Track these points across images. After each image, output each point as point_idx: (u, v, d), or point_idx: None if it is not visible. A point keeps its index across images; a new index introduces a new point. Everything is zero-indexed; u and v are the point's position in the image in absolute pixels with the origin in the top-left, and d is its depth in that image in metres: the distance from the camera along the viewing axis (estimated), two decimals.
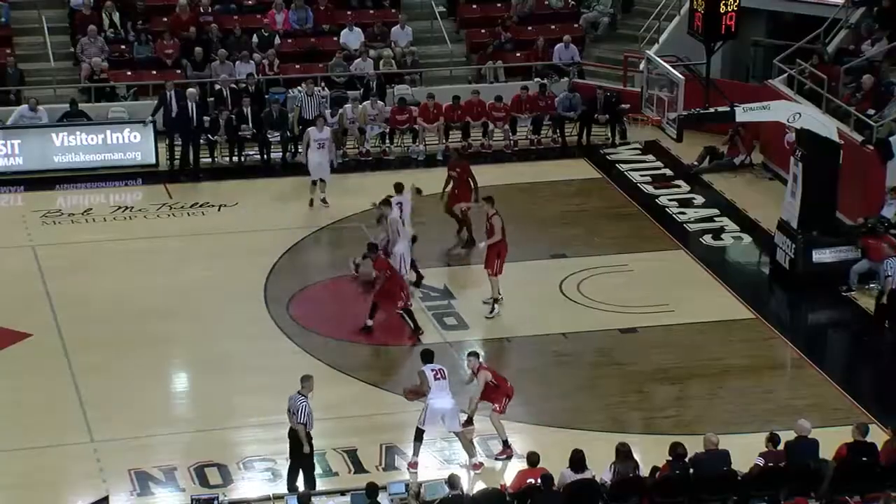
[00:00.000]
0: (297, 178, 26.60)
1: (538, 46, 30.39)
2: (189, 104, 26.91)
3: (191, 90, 27.21)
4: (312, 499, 16.01)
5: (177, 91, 27.13)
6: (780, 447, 16.54)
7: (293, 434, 17.03)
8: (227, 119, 27.39)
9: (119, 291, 22.29)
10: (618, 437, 17.26)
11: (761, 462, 16.35)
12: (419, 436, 17.71)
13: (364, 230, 24.06)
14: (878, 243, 22.22)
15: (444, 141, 28.26)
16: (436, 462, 17.85)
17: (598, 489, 15.99)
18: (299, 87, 28.28)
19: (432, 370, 17.83)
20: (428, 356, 18.11)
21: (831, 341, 22.28)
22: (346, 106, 27.88)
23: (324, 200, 25.36)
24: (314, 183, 25.34)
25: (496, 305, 21.46)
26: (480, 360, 18.23)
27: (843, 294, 22.35)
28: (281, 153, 27.75)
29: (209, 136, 27.38)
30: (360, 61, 29.41)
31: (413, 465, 17.70)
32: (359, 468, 17.71)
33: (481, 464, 17.75)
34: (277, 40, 29.82)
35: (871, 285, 22.23)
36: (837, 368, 20.51)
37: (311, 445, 16.98)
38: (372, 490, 15.64)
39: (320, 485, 17.12)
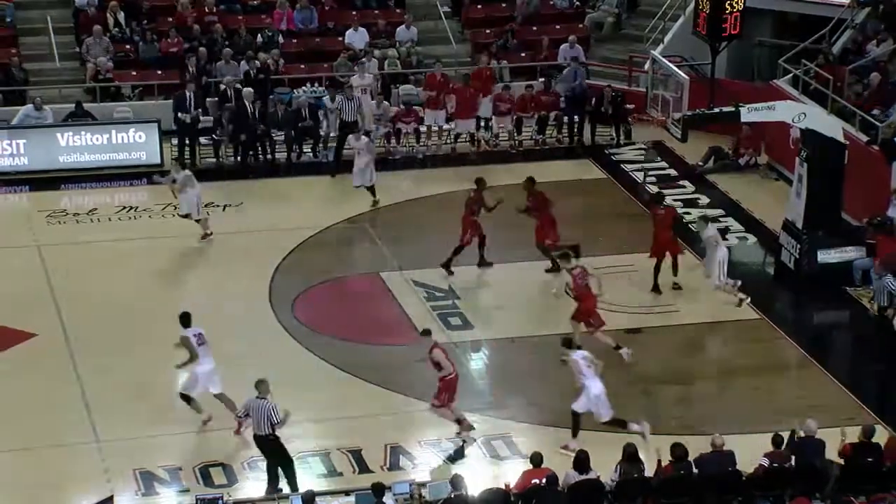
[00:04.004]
0: (301, 178, 26.82)
1: (543, 46, 30.45)
2: (246, 103, 27.23)
3: (248, 90, 27.51)
4: (317, 499, 16.01)
5: (235, 90, 27.57)
6: (783, 447, 16.62)
7: (263, 441, 17.09)
8: (231, 116, 27.44)
9: (124, 291, 22.39)
10: (622, 438, 17.36)
11: (766, 462, 16.42)
12: (187, 400, 18.38)
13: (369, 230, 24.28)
14: (886, 241, 22.28)
15: (449, 141, 28.35)
16: (439, 462, 17.90)
17: (602, 490, 16.08)
18: (304, 89, 28.52)
19: (194, 335, 18.33)
20: (186, 319, 18.53)
21: (836, 342, 22.29)
22: (324, 98, 27.96)
23: None
24: None
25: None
26: (434, 339, 18.29)
27: (850, 292, 22.39)
28: (286, 153, 27.84)
29: (214, 135, 27.49)
30: (364, 61, 29.52)
31: (238, 426, 18.06)
32: (363, 468, 17.80)
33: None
34: (281, 40, 29.92)
35: (871, 288, 22.22)
36: (843, 369, 20.51)
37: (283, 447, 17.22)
38: (378, 490, 15.74)
39: (325, 484, 17.20)
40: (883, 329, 21.51)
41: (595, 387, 18.12)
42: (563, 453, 17.71)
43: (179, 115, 27.12)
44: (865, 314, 22.08)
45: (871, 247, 22.55)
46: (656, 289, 22.26)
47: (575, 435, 18.19)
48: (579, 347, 18.71)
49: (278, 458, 17.15)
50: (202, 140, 27.56)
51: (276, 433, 17.07)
